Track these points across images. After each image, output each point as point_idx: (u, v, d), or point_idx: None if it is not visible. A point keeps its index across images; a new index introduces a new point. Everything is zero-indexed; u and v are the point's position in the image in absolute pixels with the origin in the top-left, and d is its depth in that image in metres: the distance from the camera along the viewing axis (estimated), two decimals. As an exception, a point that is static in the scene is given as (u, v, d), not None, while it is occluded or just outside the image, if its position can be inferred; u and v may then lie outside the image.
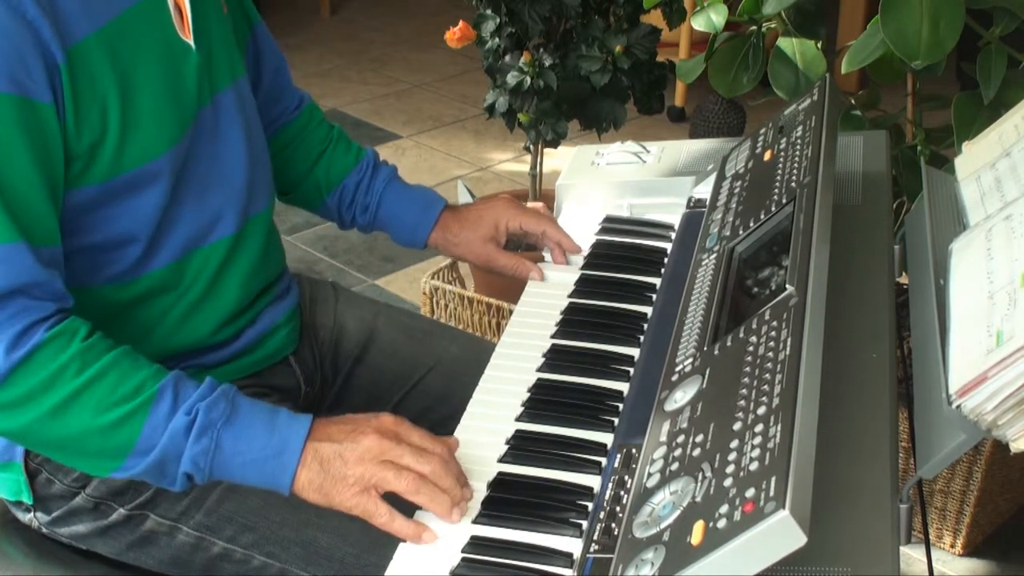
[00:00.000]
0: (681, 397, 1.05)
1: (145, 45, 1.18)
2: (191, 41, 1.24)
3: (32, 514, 1.30)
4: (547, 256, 1.52)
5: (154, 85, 1.19)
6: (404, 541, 1.06)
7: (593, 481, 1.11)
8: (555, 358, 1.30)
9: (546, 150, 2.64)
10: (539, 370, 1.28)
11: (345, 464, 1.11)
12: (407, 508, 1.10)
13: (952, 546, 2.17)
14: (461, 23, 2.48)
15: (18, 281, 1.08)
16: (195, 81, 1.24)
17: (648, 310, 1.37)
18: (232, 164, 1.31)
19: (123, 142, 1.16)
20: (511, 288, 1.51)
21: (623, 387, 1.24)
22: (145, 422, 1.10)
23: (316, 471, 1.11)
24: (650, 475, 0.97)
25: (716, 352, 1.07)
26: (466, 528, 1.07)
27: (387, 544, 1.06)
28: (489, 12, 2.45)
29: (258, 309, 1.37)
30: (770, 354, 0.97)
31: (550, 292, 1.44)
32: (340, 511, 1.19)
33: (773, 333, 1.00)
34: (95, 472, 1.19)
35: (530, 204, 1.58)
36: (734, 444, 0.90)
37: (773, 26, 1.98)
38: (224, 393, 1.13)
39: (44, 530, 1.30)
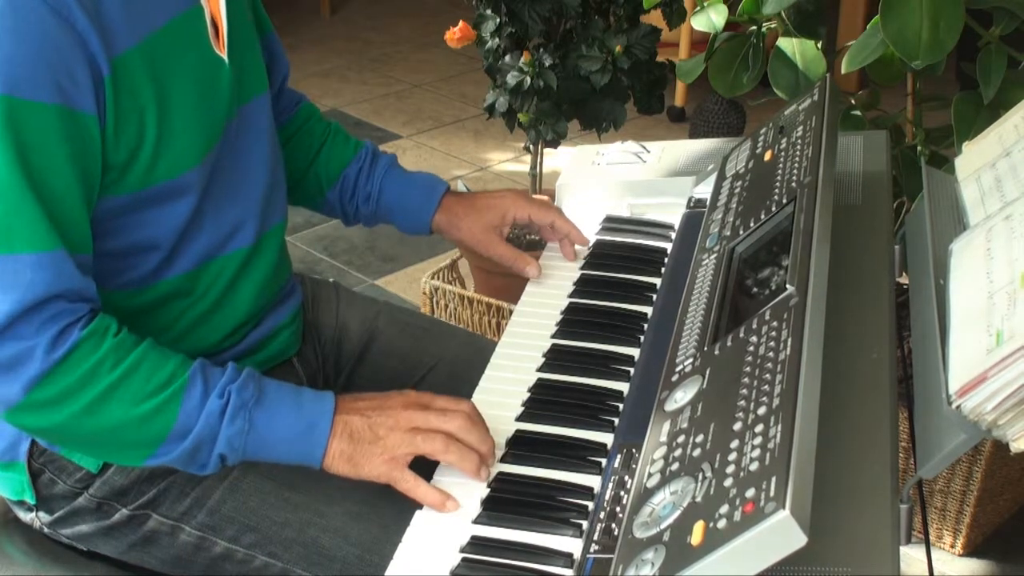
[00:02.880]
0: (681, 397, 1.05)
1: (182, 59, 1.20)
2: (225, 56, 1.25)
3: (34, 514, 1.30)
4: (547, 253, 1.52)
5: (188, 99, 1.20)
6: (410, 533, 1.07)
7: (593, 481, 1.11)
8: (555, 358, 1.30)
9: (546, 150, 2.64)
10: (539, 370, 1.29)
11: (376, 436, 1.14)
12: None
13: (952, 546, 2.17)
14: (461, 23, 2.48)
15: (59, 287, 1.09)
16: (226, 95, 1.25)
17: (648, 310, 1.37)
18: (253, 176, 1.32)
19: (157, 155, 1.17)
20: (511, 288, 1.51)
21: (623, 387, 1.24)
22: (180, 409, 1.12)
23: (347, 442, 1.14)
24: (650, 475, 0.97)
25: (716, 352, 1.07)
26: (466, 528, 1.07)
27: (389, 544, 1.06)
28: (489, 12, 2.45)
29: (262, 312, 1.37)
30: (770, 354, 0.97)
31: (550, 292, 1.44)
32: (344, 512, 1.22)
33: (773, 333, 1.00)
34: (128, 462, 1.22)
35: (537, 196, 1.57)
36: (734, 444, 0.90)
37: (773, 26, 1.98)
38: (251, 375, 1.16)
39: (46, 530, 1.30)
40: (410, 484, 1.12)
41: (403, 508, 1.11)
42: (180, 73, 1.19)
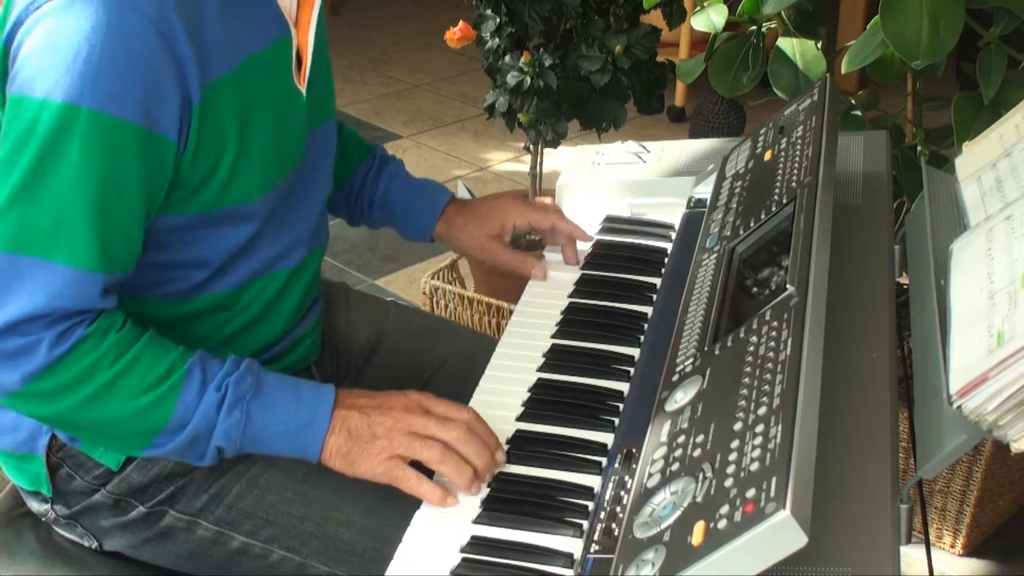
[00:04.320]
0: (681, 397, 1.05)
1: (266, 89, 1.20)
2: (303, 89, 1.26)
3: (49, 506, 1.30)
4: (549, 256, 1.52)
5: (267, 129, 1.20)
6: (414, 525, 1.07)
7: (593, 481, 1.11)
8: (555, 358, 1.30)
9: (546, 150, 2.64)
10: (539, 370, 1.29)
11: (373, 435, 1.14)
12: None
13: (952, 546, 2.17)
14: (461, 23, 2.48)
15: (78, 305, 1.10)
16: (301, 128, 1.26)
17: (648, 310, 1.37)
18: (312, 203, 1.34)
19: (230, 180, 1.18)
20: (511, 288, 1.51)
21: (623, 387, 1.24)
22: (177, 402, 1.12)
23: (344, 439, 1.14)
24: (650, 475, 0.97)
25: (716, 352, 1.07)
26: (466, 528, 1.07)
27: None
28: (489, 12, 2.45)
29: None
30: (770, 354, 0.97)
31: (550, 292, 1.44)
32: (361, 507, 1.22)
33: (773, 333, 1.00)
34: (125, 451, 1.23)
35: (538, 198, 1.58)
36: (735, 444, 0.90)
37: (773, 26, 1.98)
38: (249, 367, 1.16)
39: (61, 521, 1.30)
40: (412, 482, 1.12)
41: (419, 503, 1.11)
42: (263, 103, 1.19)
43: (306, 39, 1.26)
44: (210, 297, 1.26)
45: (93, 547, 1.31)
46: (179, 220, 1.18)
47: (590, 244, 1.52)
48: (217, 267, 1.24)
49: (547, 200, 1.58)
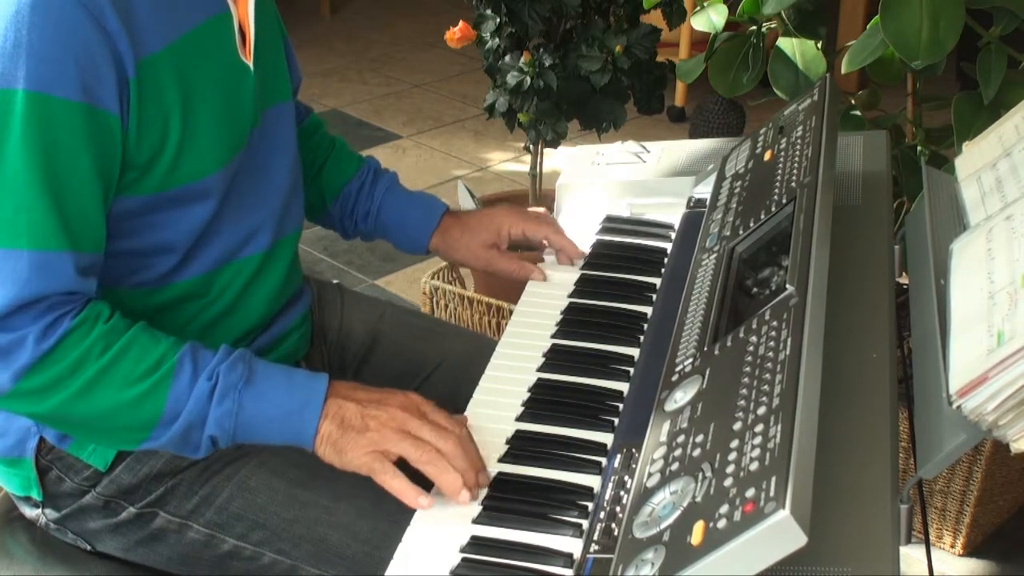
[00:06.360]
0: (681, 397, 1.05)
1: (209, 64, 1.20)
2: (250, 63, 1.26)
3: (40, 510, 1.30)
4: (547, 258, 1.52)
5: (213, 104, 1.20)
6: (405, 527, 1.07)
7: (593, 481, 1.11)
8: (555, 358, 1.30)
9: (546, 150, 2.64)
10: (539, 370, 1.28)
11: (365, 426, 1.14)
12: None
13: (952, 546, 2.17)
14: (461, 23, 2.48)
15: (54, 289, 1.10)
16: (251, 103, 1.26)
17: (648, 310, 1.37)
18: (274, 183, 1.33)
19: (179, 158, 1.18)
20: (511, 288, 1.51)
21: (623, 387, 1.24)
22: (169, 392, 1.12)
23: (336, 427, 1.14)
24: (650, 475, 0.97)
25: (716, 352, 1.07)
26: (466, 528, 1.07)
27: (397, 541, 1.06)
28: (489, 12, 2.45)
29: (273, 316, 1.38)
30: (770, 354, 0.97)
31: (550, 292, 1.44)
32: (353, 509, 1.22)
33: (773, 333, 1.00)
34: (122, 447, 1.23)
35: (532, 208, 1.58)
36: (734, 444, 0.90)
37: (773, 26, 1.98)
38: (241, 356, 1.16)
39: (52, 526, 1.30)
40: (388, 475, 1.11)
41: (411, 508, 1.10)
42: (206, 78, 1.20)
43: (246, 13, 1.26)
44: (182, 284, 1.26)
45: (88, 550, 1.30)
46: (135, 202, 1.18)
47: (590, 244, 1.52)
48: (184, 252, 1.24)
49: (541, 210, 1.58)
